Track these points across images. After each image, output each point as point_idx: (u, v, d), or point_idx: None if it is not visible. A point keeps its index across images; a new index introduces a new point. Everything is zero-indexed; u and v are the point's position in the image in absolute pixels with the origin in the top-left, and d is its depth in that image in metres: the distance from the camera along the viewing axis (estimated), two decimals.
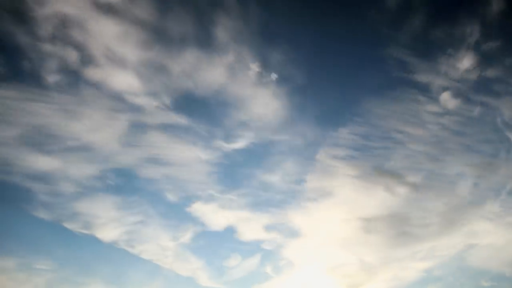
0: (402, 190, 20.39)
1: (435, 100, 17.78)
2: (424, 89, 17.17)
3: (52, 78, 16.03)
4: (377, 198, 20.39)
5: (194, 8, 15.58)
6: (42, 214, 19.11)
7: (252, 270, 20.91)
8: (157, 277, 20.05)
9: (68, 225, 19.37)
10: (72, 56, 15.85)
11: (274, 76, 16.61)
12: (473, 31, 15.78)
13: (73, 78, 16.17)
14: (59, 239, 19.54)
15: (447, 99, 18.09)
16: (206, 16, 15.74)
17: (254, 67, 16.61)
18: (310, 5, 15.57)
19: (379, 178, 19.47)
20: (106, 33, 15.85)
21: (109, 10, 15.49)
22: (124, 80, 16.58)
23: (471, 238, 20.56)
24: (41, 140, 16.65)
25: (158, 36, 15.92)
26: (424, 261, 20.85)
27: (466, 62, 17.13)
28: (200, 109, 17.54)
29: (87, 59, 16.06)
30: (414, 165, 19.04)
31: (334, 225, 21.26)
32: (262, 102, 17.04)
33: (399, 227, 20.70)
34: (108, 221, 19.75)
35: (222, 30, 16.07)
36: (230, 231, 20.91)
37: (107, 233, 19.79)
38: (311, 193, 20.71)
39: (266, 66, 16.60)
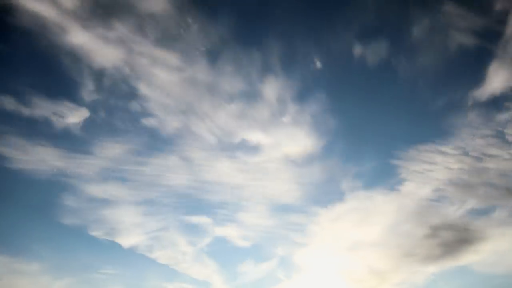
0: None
1: None
2: None
3: (121, 125, 19.34)
4: (387, 208, 21.73)
5: (245, 71, 18.56)
6: (68, 220, 20.27)
7: (264, 274, 21.57)
8: (174, 281, 20.90)
9: (92, 231, 20.47)
10: (136, 107, 18.90)
11: (308, 119, 19.08)
12: None
13: (136, 124, 19.33)
14: (81, 244, 20.55)
15: None
16: (255, 77, 18.62)
17: (292, 113, 19.27)
18: (343, 66, 18.62)
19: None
20: (165, 88, 18.45)
21: (171, 70, 18.05)
22: (173, 126, 19.47)
23: (479, 243, 20.98)
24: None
25: (210, 90, 18.79)
26: (433, 265, 21.32)
27: None
28: (238, 147, 19.88)
29: (146, 109, 18.92)
30: None
31: (346, 232, 21.99)
32: (297, 140, 19.64)
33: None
34: (130, 228, 20.87)
35: (268, 87, 18.90)
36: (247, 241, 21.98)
37: (129, 239, 20.81)
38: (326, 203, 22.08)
39: (302, 112, 19.39)
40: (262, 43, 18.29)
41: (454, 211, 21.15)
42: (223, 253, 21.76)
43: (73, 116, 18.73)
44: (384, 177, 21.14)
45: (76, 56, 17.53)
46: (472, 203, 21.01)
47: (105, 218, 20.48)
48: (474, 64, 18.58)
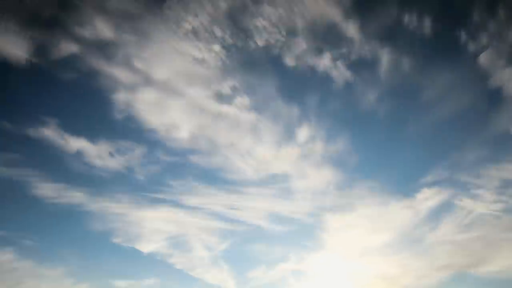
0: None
1: None
2: None
3: (171, 160, 22.60)
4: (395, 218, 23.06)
5: (284, 119, 22.20)
6: (91, 226, 21.44)
7: (276, 279, 22.34)
8: (189, 286, 21.96)
9: (114, 238, 21.54)
10: (185, 144, 22.10)
11: (333, 156, 22.58)
12: None
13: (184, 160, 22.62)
14: (103, 249, 21.70)
15: None
16: (293, 124, 22.27)
17: (321, 151, 22.65)
18: (366, 116, 22.60)
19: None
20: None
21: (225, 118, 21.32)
22: (216, 161, 22.57)
23: (489, 247, 21.75)
24: None
25: (254, 131, 22.03)
26: (443, 269, 21.83)
27: None
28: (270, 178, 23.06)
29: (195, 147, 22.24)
30: None
31: (357, 238, 22.84)
32: (323, 174, 22.98)
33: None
34: (151, 234, 22.06)
35: (303, 132, 22.45)
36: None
37: (149, 245, 21.96)
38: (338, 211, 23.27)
39: (329, 151, 22.87)
40: (301, 97, 22.16)
41: (463, 218, 22.15)
42: (238, 258, 22.86)
43: (133, 153, 21.68)
44: (399, 187, 23.45)
45: (139, 109, 20.74)
46: (480, 209, 22.01)
47: (127, 225, 21.70)
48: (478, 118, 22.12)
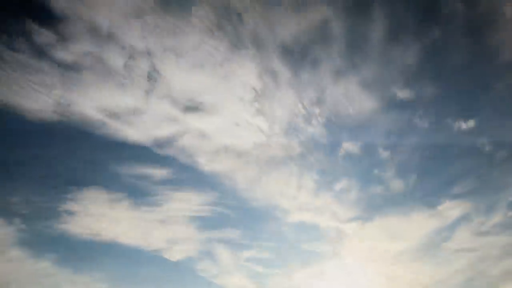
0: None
1: None
2: None
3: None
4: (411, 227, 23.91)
5: (326, 175, 24.56)
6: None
7: (295, 284, 23.23)
8: None
9: (144, 247, 22.62)
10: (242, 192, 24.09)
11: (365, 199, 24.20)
12: None
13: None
14: (135, 256, 22.60)
15: None
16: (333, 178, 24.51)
17: (353, 197, 24.63)
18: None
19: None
20: None
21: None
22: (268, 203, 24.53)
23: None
24: None
25: (299, 184, 24.75)
26: (460, 273, 22.26)
27: None
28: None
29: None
30: None
31: (375, 247, 23.72)
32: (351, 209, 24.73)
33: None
34: (180, 242, 23.29)
35: (340, 184, 24.46)
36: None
37: (177, 253, 23.21)
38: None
39: (361, 196, 24.63)
40: (336, 150, 24.13)
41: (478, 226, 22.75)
42: (256, 266, 23.64)
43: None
44: (420, 198, 23.99)
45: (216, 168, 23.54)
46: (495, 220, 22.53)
47: (157, 233, 22.98)
48: None
